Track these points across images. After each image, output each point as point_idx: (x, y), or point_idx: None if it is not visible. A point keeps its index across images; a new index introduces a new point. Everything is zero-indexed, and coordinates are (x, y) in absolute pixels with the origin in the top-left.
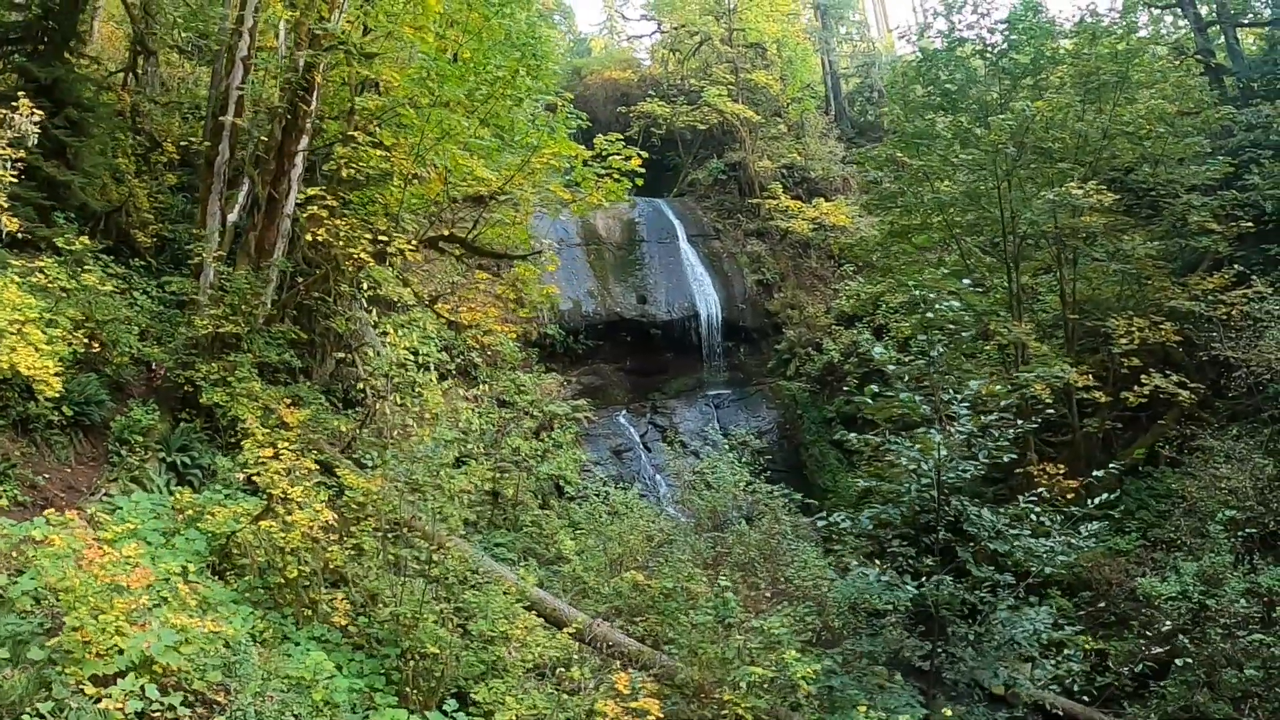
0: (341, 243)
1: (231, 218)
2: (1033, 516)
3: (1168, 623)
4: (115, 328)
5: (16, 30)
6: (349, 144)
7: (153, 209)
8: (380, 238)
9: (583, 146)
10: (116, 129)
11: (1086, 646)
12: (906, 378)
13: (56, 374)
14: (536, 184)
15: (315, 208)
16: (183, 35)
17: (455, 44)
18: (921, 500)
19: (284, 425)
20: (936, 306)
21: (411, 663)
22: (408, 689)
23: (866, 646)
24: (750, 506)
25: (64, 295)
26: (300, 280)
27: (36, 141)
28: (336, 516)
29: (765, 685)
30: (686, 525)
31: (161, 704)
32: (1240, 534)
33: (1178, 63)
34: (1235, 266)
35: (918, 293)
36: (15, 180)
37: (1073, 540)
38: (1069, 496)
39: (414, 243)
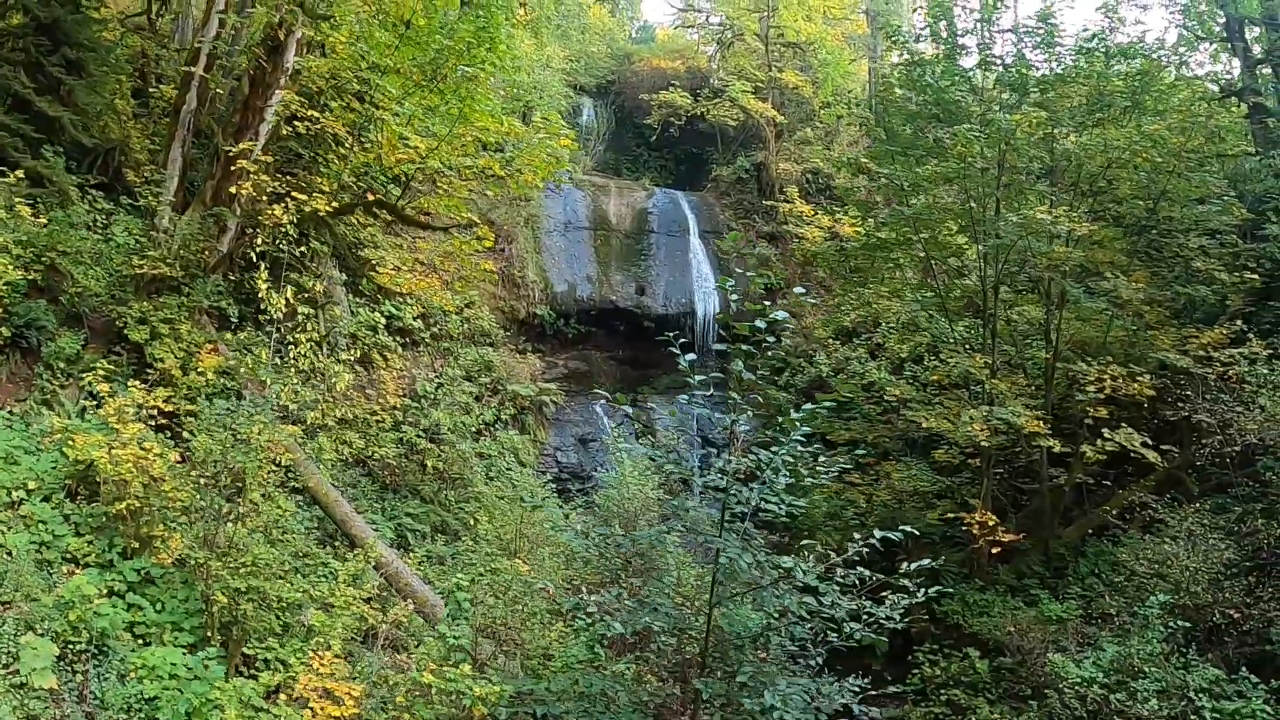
0: (265, 199)
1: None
2: (798, 572)
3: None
4: (66, 260)
5: None
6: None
7: (146, 150)
8: (298, 196)
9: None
10: (118, 71)
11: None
12: (710, 390)
13: None
14: (470, 155)
15: (244, 162)
16: None
17: (408, 10)
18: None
19: (200, 370)
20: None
21: (215, 609)
22: (208, 634)
23: (589, 683)
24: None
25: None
26: (248, 232)
27: None
28: (178, 457)
29: (444, 698)
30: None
31: None
32: (1174, 623)
33: (1196, 92)
34: (1238, 323)
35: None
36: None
37: (870, 608)
38: (994, 551)
39: (334, 205)
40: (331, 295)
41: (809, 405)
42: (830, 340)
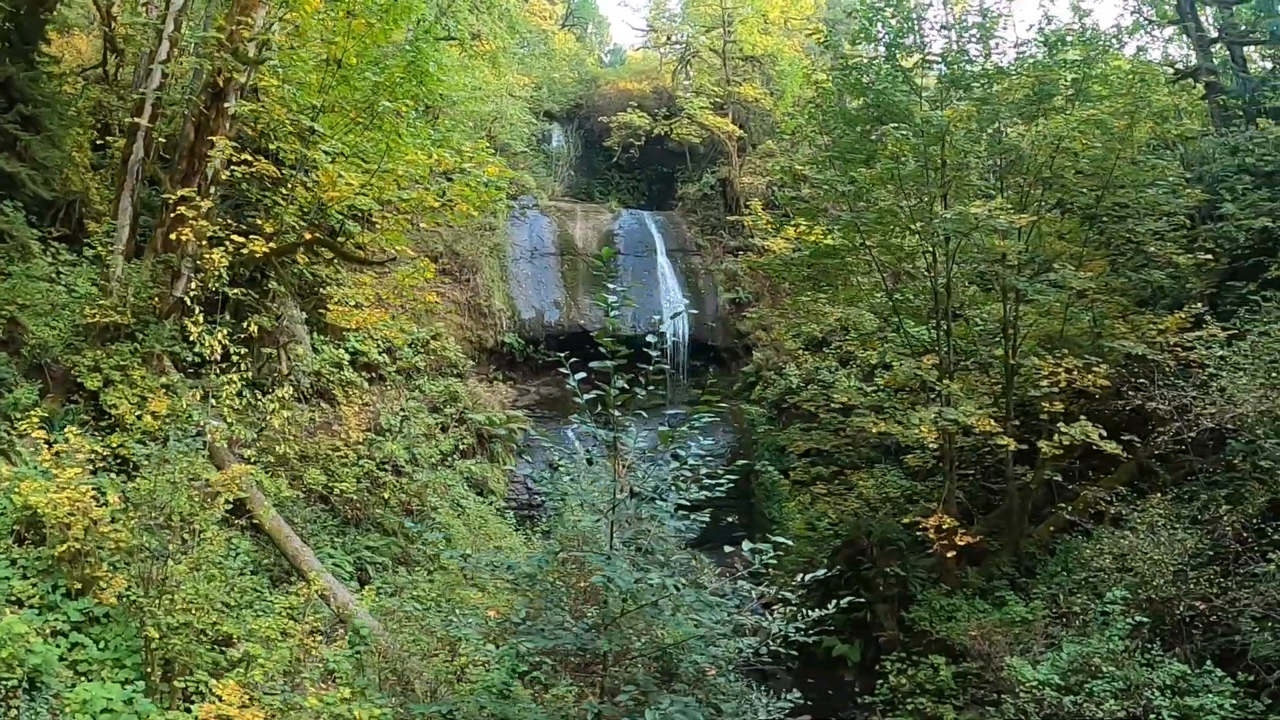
0: (204, 244)
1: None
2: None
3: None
4: (26, 313)
5: None
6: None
7: (106, 201)
8: (236, 239)
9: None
10: (74, 124)
11: None
12: (598, 407)
13: None
14: (402, 188)
15: (183, 208)
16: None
17: (340, 49)
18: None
19: (154, 414)
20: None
21: (154, 645)
22: (148, 669)
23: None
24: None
25: None
26: (198, 276)
27: None
28: (119, 498)
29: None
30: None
31: None
32: (1137, 619)
33: (1139, 75)
34: (1199, 305)
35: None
36: None
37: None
38: (952, 555)
39: (271, 246)
40: (293, 334)
41: (702, 415)
42: (800, 351)
